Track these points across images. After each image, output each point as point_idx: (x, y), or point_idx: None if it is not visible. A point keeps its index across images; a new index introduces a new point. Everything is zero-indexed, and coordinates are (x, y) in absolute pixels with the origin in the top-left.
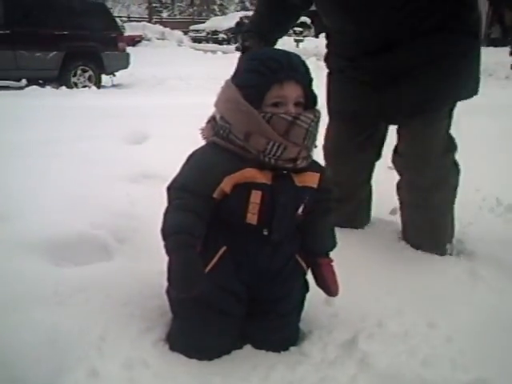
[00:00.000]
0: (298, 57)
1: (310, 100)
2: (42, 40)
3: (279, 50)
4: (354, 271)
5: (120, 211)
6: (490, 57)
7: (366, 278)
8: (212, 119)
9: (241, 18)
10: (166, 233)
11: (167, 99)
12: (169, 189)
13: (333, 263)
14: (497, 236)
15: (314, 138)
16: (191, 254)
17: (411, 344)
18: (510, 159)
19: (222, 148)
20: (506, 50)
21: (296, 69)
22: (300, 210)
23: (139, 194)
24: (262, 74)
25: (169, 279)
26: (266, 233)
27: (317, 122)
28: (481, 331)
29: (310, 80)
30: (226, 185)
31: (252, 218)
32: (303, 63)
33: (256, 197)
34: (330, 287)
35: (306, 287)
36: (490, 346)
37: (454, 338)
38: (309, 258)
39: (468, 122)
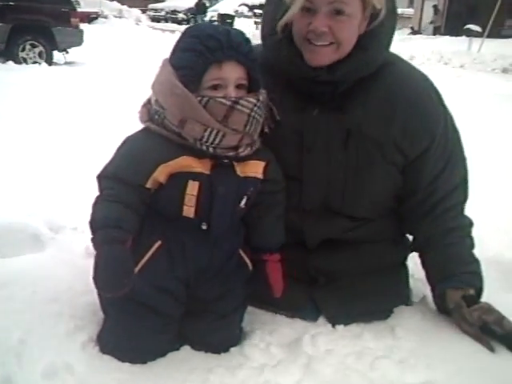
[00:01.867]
0: (240, 34)
1: (254, 82)
2: None
3: (219, 26)
4: None
5: (58, 198)
6: (446, 46)
7: None
8: (148, 102)
9: None
10: (93, 226)
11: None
12: (99, 177)
13: (279, 260)
14: None
15: (257, 124)
16: (119, 251)
17: (360, 345)
18: None
19: (156, 134)
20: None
21: (237, 48)
22: (243, 202)
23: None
24: (199, 54)
25: (94, 277)
26: (204, 227)
27: (260, 107)
28: (430, 333)
29: (254, 60)
30: (161, 174)
31: (189, 210)
32: (246, 41)
33: (193, 188)
34: (273, 286)
35: (249, 285)
36: (440, 347)
37: (403, 337)
38: (253, 253)
39: None
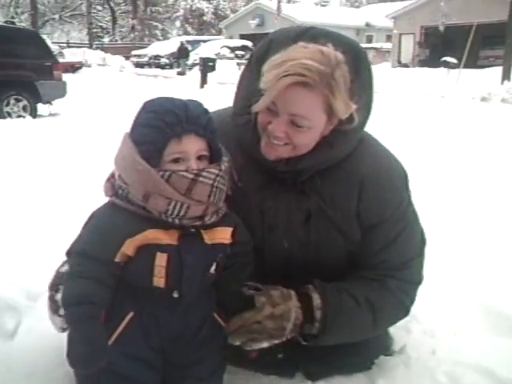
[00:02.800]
0: (198, 106)
1: (215, 152)
2: None
3: (176, 100)
4: None
5: (35, 264)
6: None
7: None
8: (111, 176)
9: (181, 43)
10: (66, 303)
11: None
12: (68, 254)
13: None
14: None
15: (222, 193)
16: (94, 327)
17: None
18: None
19: (122, 208)
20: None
21: (196, 121)
22: (212, 268)
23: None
24: (158, 129)
25: (68, 355)
26: (176, 295)
27: (223, 176)
28: None
29: (213, 131)
30: (128, 248)
31: (159, 281)
32: (205, 112)
33: (161, 259)
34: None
35: (227, 347)
36: None
37: None
38: (226, 316)
39: None
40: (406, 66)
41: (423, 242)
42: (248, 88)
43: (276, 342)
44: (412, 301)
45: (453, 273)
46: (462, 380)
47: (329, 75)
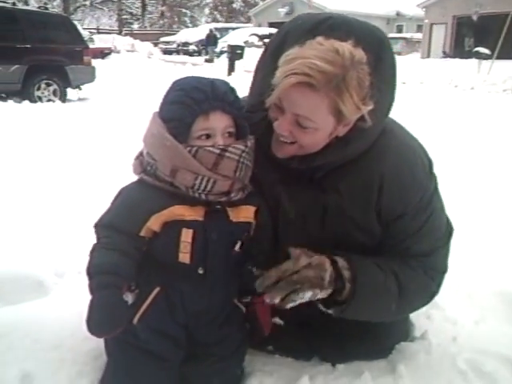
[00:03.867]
0: (224, 84)
1: (241, 129)
2: (4, 53)
3: (203, 78)
4: None
5: (62, 243)
6: (455, 69)
7: None
8: (140, 154)
9: (210, 30)
10: (90, 272)
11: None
12: (96, 226)
13: (267, 302)
14: None
15: (248, 169)
16: (113, 295)
17: None
18: None
19: (149, 185)
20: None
21: (222, 98)
22: (237, 246)
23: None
24: (185, 106)
25: (87, 320)
26: (201, 271)
27: (249, 152)
28: (433, 371)
29: (240, 108)
30: (154, 223)
31: (184, 257)
32: (231, 90)
33: (187, 235)
34: (261, 328)
35: (245, 329)
36: None
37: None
38: (242, 296)
39: None
40: (448, 56)
41: (449, 231)
42: (262, 83)
43: (319, 293)
44: (438, 287)
45: (475, 261)
46: (483, 368)
47: (338, 77)
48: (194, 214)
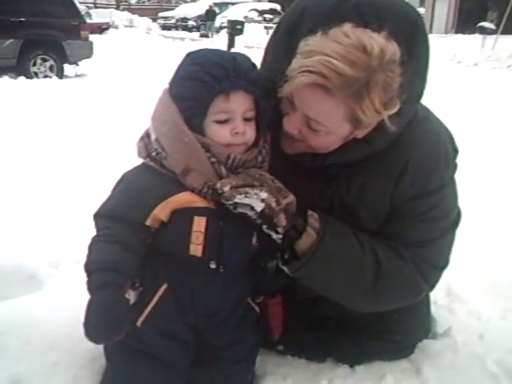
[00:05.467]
0: (246, 60)
1: (262, 111)
2: None
3: (224, 52)
4: None
5: (57, 231)
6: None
7: None
8: (146, 136)
9: (210, 6)
10: (89, 268)
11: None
12: (95, 217)
13: (279, 303)
14: None
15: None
16: (112, 296)
17: None
18: None
19: (155, 170)
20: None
21: (245, 76)
22: (254, 239)
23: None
24: (203, 83)
25: (84, 323)
26: (213, 266)
27: (264, 159)
28: (460, 371)
29: (262, 88)
30: (161, 211)
31: (196, 249)
32: (253, 67)
33: (199, 224)
34: (272, 330)
35: (259, 331)
36: None
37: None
38: (255, 296)
39: None
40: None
41: (454, 224)
42: (273, 67)
43: (275, 207)
44: (427, 283)
45: (499, 252)
46: None
47: (360, 81)
48: (205, 201)
